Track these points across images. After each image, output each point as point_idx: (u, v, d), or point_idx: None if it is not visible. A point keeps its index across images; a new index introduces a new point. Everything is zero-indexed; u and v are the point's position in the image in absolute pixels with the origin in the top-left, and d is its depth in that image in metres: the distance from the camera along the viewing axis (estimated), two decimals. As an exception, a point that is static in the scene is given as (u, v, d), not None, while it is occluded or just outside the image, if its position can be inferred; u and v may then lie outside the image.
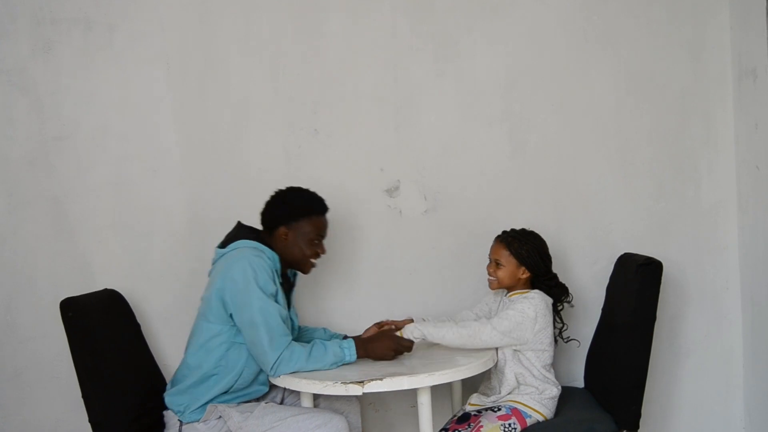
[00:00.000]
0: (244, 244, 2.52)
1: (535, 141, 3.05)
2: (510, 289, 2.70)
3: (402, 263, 3.05)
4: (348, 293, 3.04)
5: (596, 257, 3.02)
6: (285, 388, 2.61)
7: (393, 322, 2.71)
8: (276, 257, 2.55)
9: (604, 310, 2.88)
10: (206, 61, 3.00)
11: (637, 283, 2.60)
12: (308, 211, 2.60)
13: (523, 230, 2.72)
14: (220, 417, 2.49)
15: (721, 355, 3.09)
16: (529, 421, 2.55)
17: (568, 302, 2.74)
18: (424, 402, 2.36)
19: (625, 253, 2.87)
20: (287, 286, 2.67)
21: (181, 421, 2.50)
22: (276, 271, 2.53)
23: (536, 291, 2.65)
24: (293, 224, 2.57)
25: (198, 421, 2.49)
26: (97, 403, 2.47)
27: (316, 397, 2.59)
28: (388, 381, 2.30)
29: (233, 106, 3.01)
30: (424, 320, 2.76)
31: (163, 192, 3.00)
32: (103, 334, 2.54)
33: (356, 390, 2.28)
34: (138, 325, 2.82)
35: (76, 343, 2.47)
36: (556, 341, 2.72)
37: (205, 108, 3.01)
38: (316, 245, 2.63)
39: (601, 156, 3.06)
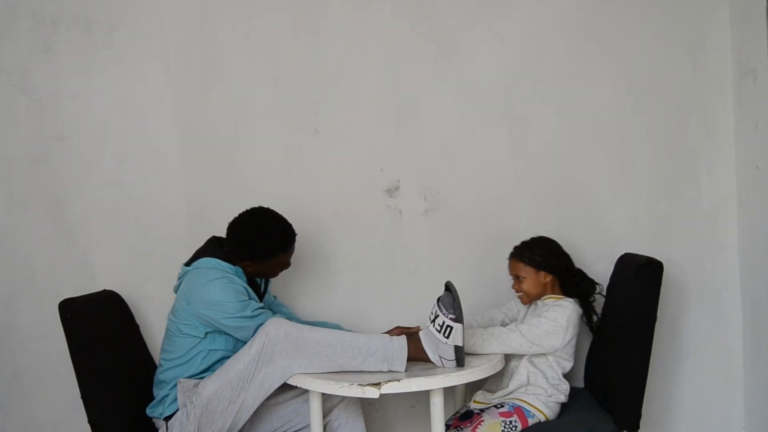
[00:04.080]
0: (206, 264, 2.54)
1: (535, 141, 3.05)
2: (541, 296, 2.71)
3: (402, 263, 3.05)
4: (348, 293, 3.04)
5: (596, 257, 3.02)
6: None
7: (401, 329, 2.71)
8: (241, 272, 2.57)
9: (604, 310, 2.87)
10: (206, 61, 3.00)
11: (637, 283, 2.60)
12: (274, 253, 2.59)
13: (531, 238, 2.76)
14: (189, 391, 2.50)
15: (721, 355, 3.09)
16: (531, 421, 2.55)
17: (600, 293, 2.77)
18: (437, 402, 2.34)
19: (626, 254, 2.87)
20: (258, 293, 2.69)
21: (165, 419, 2.51)
22: (244, 285, 2.54)
23: (570, 300, 2.66)
24: (259, 261, 2.58)
25: (178, 409, 2.49)
26: (97, 404, 2.47)
27: (327, 398, 2.58)
28: (405, 382, 2.27)
29: (233, 106, 3.01)
30: None
31: (163, 192, 3.00)
32: (101, 335, 2.55)
33: (373, 392, 2.24)
34: (137, 326, 2.82)
35: (75, 345, 2.48)
36: (592, 330, 2.76)
37: (205, 108, 3.01)
38: (282, 268, 2.66)
39: (601, 156, 3.05)
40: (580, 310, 2.68)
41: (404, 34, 3.02)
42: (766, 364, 2.88)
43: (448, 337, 2.34)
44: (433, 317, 2.39)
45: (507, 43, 3.03)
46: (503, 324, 2.80)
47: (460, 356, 2.36)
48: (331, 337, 2.38)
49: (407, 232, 3.05)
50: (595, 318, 2.77)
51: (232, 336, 2.51)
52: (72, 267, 2.98)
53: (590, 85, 3.04)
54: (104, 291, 2.81)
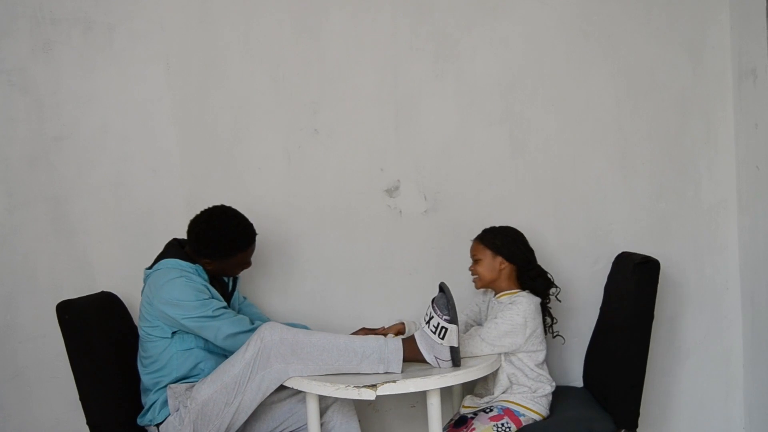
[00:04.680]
0: (165, 265, 2.54)
1: (535, 141, 3.05)
2: (495, 284, 2.68)
3: (402, 263, 3.05)
4: (348, 293, 3.04)
5: (596, 257, 3.02)
6: None
7: (366, 330, 2.72)
8: (202, 270, 2.57)
9: (602, 309, 2.88)
10: (206, 61, 3.00)
11: (634, 282, 2.60)
12: (233, 252, 2.59)
13: (499, 226, 2.74)
14: (182, 396, 2.49)
15: (721, 355, 3.09)
16: (522, 420, 2.55)
17: (555, 296, 2.72)
18: (434, 403, 2.34)
19: (623, 252, 2.87)
20: (225, 292, 2.69)
21: (156, 426, 2.50)
22: (205, 284, 2.53)
23: (523, 293, 2.64)
24: (219, 259, 2.58)
25: (169, 415, 2.49)
26: (95, 406, 2.48)
27: (321, 399, 2.58)
28: (401, 383, 2.27)
29: (233, 106, 3.01)
30: (415, 324, 2.76)
31: (163, 192, 3.00)
32: (99, 336, 2.55)
33: (369, 394, 2.24)
34: (135, 327, 2.82)
35: (73, 346, 2.48)
36: (551, 333, 2.72)
37: (205, 108, 3.01)
38: (242, 267, 2.66)
39: (601, 156, 3.05)
40: (537, 300, 2.64)
41: (404, 34, 3.02)
42: (766, 364, 2.88)
43: (443, 339, 2.34)
44: (427, 318, 2.39)
45: (507, 43, 3.03)
46: (467, 326, 2.79)
47: (456, 357, 2.36)
48: (327, 341, 2.38)
49: (407, 232, 3.05)
50: (549, 321, 2.73)
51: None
52: (72, 267, 2.98)
53: (590, 86, 3.04)
54: (102, 292, 2.81)
